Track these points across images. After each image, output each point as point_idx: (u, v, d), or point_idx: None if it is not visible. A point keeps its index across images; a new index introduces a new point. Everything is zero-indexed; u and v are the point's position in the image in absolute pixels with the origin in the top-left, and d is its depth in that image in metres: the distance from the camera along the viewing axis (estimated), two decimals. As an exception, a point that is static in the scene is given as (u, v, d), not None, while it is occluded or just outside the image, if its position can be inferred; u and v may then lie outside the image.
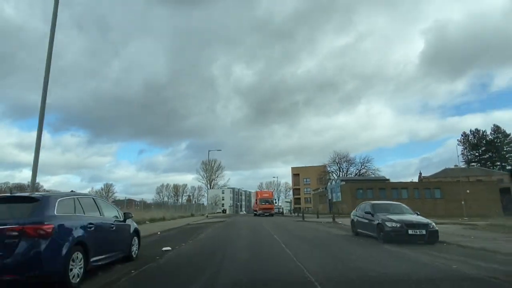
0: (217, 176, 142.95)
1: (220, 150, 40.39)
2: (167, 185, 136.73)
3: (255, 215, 44.21)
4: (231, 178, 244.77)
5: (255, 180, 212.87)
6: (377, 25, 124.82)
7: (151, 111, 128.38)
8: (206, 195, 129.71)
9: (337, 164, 74.67)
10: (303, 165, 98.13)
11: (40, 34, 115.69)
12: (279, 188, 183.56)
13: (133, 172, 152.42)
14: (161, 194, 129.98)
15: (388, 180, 46.48)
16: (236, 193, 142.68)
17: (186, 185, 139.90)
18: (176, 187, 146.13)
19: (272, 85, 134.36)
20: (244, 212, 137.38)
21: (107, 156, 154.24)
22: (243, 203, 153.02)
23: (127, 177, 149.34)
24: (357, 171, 71.73)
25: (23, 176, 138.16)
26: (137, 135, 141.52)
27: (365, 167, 70.90)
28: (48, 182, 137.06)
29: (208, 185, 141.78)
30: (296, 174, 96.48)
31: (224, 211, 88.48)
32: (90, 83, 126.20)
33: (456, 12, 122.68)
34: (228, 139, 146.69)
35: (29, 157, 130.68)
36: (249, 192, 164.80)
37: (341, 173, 75.08)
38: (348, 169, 73.42)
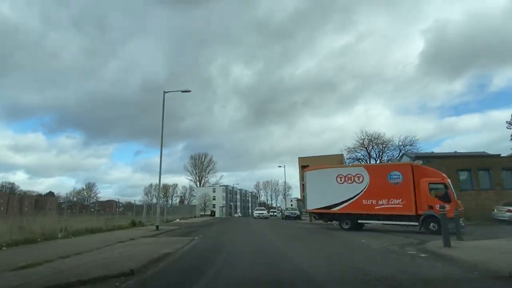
0: (208, 173, 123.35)
1: (190, 91, 19.49)
2: (156, 185, 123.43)
3: (349, 227, 17.07)
4: (227, 179, 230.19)
5: (251, 181, 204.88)
6: (377, 25, 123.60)
7: (148, 111, 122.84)
8: (200, 195, 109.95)
9: (366, 148, 54.59)
10: (314, 155, 78.40)
11: (37, 34, 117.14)
12: (277, 188, 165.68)
13: (129, 173, 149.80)
14: (149, 195, 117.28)
15: (499, 155, 26.40)
16: (230, 192, 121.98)
17: (176, 184, 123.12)
18: (165, 188, 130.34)
19: (271, 86, 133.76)
20: (239, 214, 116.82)
21: (103, 157, 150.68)
22: (238, 203, 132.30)
23: (122, 179, 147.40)
24: (395, 157, 51.76)
25: (17, 178, 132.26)
26: (134, 136, 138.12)
27: (406, 151, 50.89)
28: (42, 185, 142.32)
29: (198, 183, 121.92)
30: (305, 166, 76.35)
31: (212, 213, 68.07)
32: (87, 84, 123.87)
33: (456, 12, 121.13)
34: (226, 140, 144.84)
35: (24, 159, 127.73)
36: (245, 190, 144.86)
37: (371, 160, 55.14)
38: (381, 154, 53.43)
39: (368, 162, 55.59)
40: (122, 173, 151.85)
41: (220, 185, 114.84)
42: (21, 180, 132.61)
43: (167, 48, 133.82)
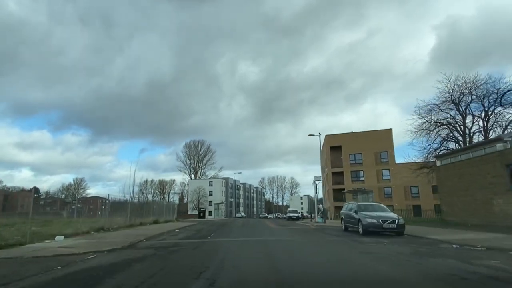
0: (206, 164, 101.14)
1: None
2: (152, 181, 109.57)
3: None
4: (230, 177, 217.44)
5: (256, 180, 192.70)
6: (387, 21, 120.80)
7: (154, 109, 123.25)
8: (193, 189, 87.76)
9: (457, 104, 32.07)
10: (348, 131, 56.05)
11: (43, 30, 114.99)
12: (283, 185, 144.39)
13: (133, 171, 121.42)
14: (144, 192, 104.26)
15: None
16: (231, 187, 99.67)
17: (174, 180, 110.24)
18: (162, 183, 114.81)
19: (278, 83, 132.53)
20: (242, 214, 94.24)
21: (107, 155, 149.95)
22: (241, 200, 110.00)
23: (127, 177, 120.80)
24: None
25: (23, 176, 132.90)
26: (139, 134, 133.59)
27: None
28: (47, 182, 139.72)
29: (193, 176, 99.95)
30: (335, 147, 54.03)
31: (202, 214, 45.90)
32: (93, 81, 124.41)
33: (469, 8, 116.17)
34: (231, 139, 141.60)
35: (29, 156, 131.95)
36: (250, 185, 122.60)
37: (464, 128, 32.61)
38: (491, 113, 30.84)
39: (462, 129, 33.33)
40: (126, 171, 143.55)
41: (219, 178, 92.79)
42: (26, 177, 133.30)
43: (173, 44, 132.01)
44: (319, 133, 32.05)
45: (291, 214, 43.81)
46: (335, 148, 53.58)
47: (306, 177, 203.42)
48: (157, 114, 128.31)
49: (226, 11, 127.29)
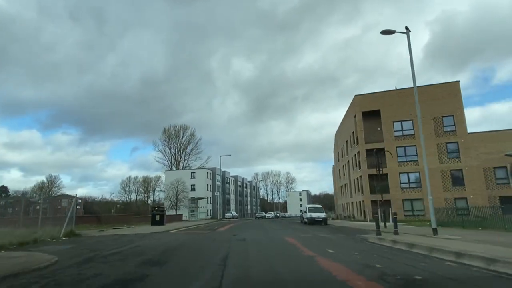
0: (189, 153, 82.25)
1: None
2: (135, 178, 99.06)
3: None
4: (217, 167, 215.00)
5: (249, 176, 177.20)
6: (383, 17, 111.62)
7: (146, 107, 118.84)
8: (170, 182, 68.66)
9: None
10: (385, 89, 38.35)
11: (34, 26, 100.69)
12: (278, 180, 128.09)
13: (125, 171, 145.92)
14: (127, 190, 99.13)
15: None
16: (219, 180, 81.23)
17: (159, 177, 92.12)
18: (146, 181, 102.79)
19: (272, 80, 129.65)
20: (233, 214, 75.89)
21: (99, 154, 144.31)
22: (233, 196, 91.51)
23: (118, 176, 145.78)
24: None
25: (12, 176, 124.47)
26: (131, 133, 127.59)
27: None
28: (37, 182, 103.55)
29: (174, 167, 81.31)
30: (371, 112, 36.24)
31: (157, 217, 27.30)
32: (84, 78, 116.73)
33: (463, 4, 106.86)
34: (224, 137, 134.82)
35: (18, 157, 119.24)
36: (242, 179, 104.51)
37: None
38: None
39: None
40: (118, 171, 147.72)
41: (204, 168, 74.48)
42: (15, 178, 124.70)
43: (167, 41, 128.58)
44: (407, 28, 14.15)
45: (315, 215, 25.54)
46: (370, 115, 35.85)
47: (299, 175, 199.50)
48: (150, 112, 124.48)
49: (221, 7, 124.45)
